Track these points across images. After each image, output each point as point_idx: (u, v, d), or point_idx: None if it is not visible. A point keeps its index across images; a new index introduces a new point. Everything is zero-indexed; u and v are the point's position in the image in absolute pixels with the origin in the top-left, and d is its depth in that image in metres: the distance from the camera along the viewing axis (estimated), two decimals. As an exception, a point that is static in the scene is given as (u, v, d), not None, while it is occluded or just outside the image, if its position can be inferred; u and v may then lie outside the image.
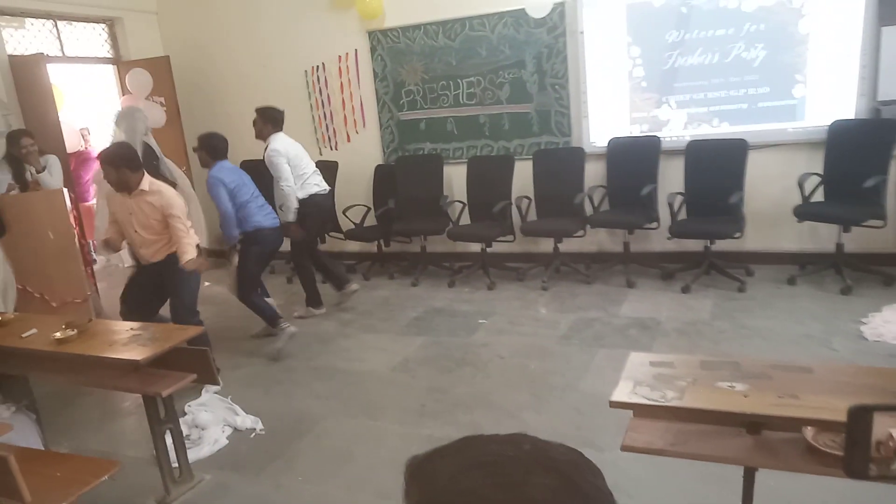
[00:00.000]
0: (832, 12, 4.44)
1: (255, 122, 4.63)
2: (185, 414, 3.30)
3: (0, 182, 4.46)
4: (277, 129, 4.61)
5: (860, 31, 4.39)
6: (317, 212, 4.75)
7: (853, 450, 1.11)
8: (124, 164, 3.42)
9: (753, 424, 1.76)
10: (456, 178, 5.65)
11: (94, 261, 5.95)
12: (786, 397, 1.73)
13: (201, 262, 3.56)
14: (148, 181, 3.51)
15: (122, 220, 3.59)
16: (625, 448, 1.80)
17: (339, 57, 5.89)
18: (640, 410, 1.82)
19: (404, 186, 5.70)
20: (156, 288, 3.73)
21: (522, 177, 5.33)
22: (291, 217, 4.56)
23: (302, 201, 4.60)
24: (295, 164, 4.56)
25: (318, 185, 4.75)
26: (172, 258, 3.54)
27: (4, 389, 3.01)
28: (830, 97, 4.57)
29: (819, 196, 4.57)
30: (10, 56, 5.18)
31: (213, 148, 4.16)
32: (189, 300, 3.69)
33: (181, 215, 3.49)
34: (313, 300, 4.92)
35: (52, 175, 4.62)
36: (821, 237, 4.72)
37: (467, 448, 0.59)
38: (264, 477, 2.85)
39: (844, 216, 4.36)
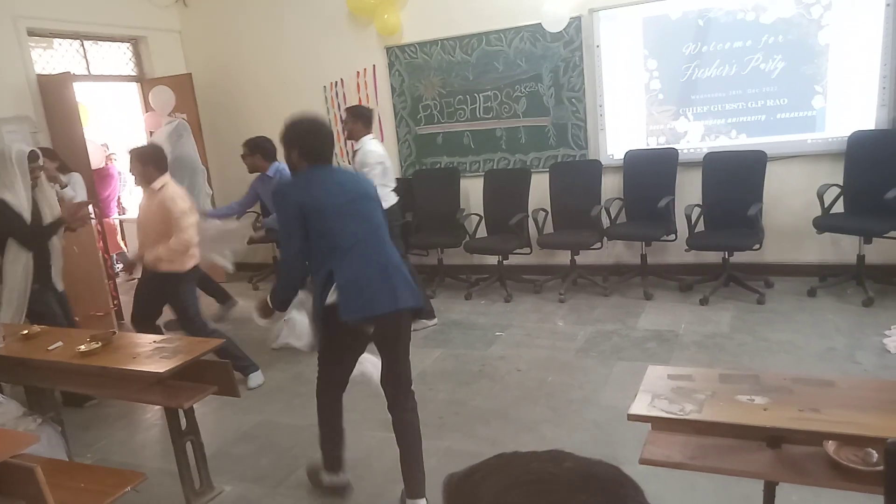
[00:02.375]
0: (852, 23, 4.42)
1: (346, 123, 4.50)
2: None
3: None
4: (369, 129, 4.47)
5: (880, 42, 4.36)
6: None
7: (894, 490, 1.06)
8: (150, 161, 3.62)
9: (774, 438, 1.75)
10: (473, 191, 5.67)
11: (117, 274, 6.05)
12: (807, 411, 1.71)
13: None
14: (161, 181, 3.64)
15: (140, 221, 3.75)
16: (643, 461, 1.79)
17: (358, 72, 5.97)
18: (658, 424, 1.82)
19: (422, 200, 5.74)
20: (153, 297, 3.82)
21: (539, 190, 5.34)
22: None
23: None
24: (386, 172, 4.44)
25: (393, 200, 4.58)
26: (165, 276, 3.65)
27: (31, 401, 3.07)
28: (850, 108, 4.54)
29: (839, 207, 4.53)
30: (39, 75, 5.31)
31: (266, 150, 4.19)
32: (189, 312, 3.77)
33: (179, 213, 3.59)
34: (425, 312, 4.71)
35: (76, 191, 4.73)
36: (842, 249, 4.67)
37: (508, 466, 0.59)
38: (284, 489, 2.88)
39: (866, 228, 4.31)
